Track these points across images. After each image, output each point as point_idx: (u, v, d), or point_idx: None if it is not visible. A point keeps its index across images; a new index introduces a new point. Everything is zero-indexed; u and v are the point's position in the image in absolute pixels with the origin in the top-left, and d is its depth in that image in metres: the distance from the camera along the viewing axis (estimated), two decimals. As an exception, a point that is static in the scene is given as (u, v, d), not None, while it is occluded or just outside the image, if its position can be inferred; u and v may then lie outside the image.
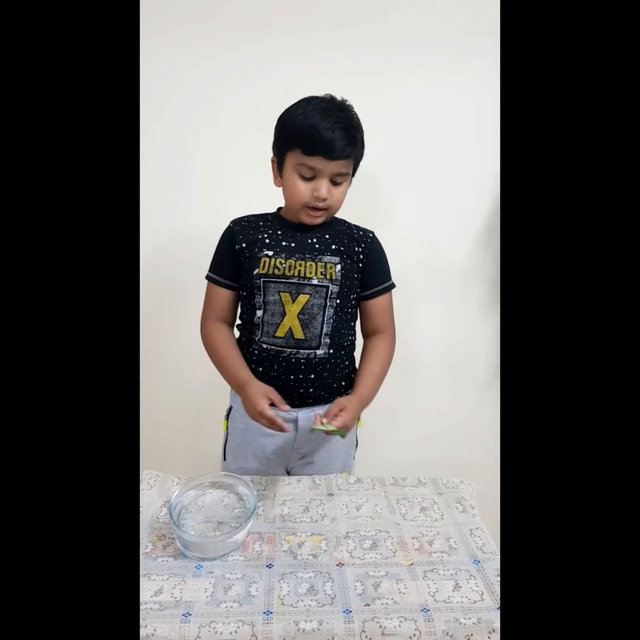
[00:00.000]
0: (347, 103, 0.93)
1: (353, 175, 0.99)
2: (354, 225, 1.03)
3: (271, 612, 0.62)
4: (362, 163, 1.38)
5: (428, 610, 0.63)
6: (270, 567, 0.70)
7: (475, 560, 0.72)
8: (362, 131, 0.93)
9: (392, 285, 1.04)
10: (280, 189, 0.97)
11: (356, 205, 1.41)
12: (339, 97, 0.93)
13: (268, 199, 1.02)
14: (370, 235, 1.02)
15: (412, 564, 0.71)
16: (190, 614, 0.62)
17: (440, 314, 1.47)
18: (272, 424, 0.85)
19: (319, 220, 0.95)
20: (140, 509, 0.81)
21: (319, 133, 0.86)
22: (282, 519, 0.80)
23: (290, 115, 0.91)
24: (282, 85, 1.24)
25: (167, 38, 1.21)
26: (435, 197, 1.38)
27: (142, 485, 0.88)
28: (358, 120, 0.93)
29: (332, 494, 0.86)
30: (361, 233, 1.01)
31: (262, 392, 0.87)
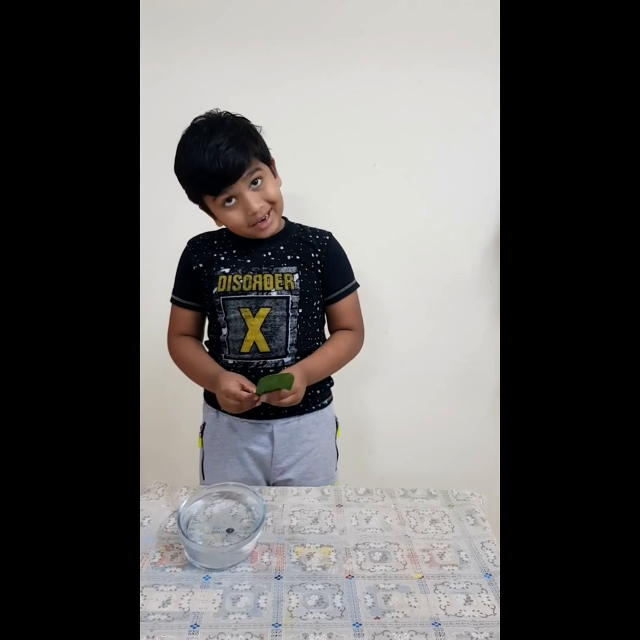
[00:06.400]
0: (224, 114, 0.89)
1: (271, 163, 0.95)
2: (310, 229, 1.00)
3: (280, 625, 0.61)
4: (370, 176, 1.38)
5: (439, 624, 0.62)
6: (279, 579, 0.69)
7: (487, 573, 0.71)
8: (249, 131, 0.89)
9: (356, 285, 1.02)
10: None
11: (363, 218, 1.41)
12: (218, 111, 0.89)
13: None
14: (327, 237, 0.99)
15: (423, 576, 0.70)
16: (198, 625, 0.61)
17: (449, 325, 1.47)
18: (241, 401, 0.85)
19: (274, 226, 0.93)
20: (149, 519, 0.81)
21: (210, 171, 0.84)
22: (291, 530, 0.79)
23: (178, 164, 0.89)
24: (287, 98, 1.26)
25: (169, 50, 1.24)
26: (444, 208, 1.38)
27: (150, 495, 0.88)
28: (241, 123, 0.89)
29: (342, 505, 0.86)
30: (317, 237, 0.98)
31: (230, 377, 0.88)
